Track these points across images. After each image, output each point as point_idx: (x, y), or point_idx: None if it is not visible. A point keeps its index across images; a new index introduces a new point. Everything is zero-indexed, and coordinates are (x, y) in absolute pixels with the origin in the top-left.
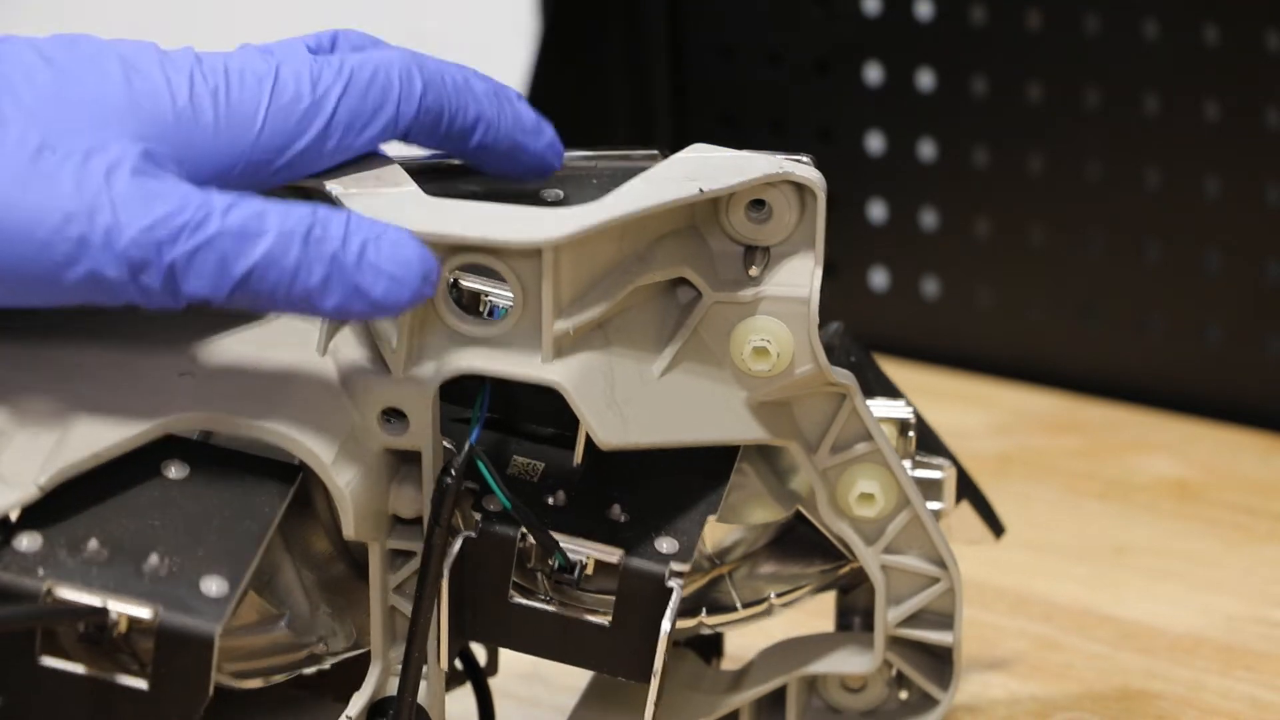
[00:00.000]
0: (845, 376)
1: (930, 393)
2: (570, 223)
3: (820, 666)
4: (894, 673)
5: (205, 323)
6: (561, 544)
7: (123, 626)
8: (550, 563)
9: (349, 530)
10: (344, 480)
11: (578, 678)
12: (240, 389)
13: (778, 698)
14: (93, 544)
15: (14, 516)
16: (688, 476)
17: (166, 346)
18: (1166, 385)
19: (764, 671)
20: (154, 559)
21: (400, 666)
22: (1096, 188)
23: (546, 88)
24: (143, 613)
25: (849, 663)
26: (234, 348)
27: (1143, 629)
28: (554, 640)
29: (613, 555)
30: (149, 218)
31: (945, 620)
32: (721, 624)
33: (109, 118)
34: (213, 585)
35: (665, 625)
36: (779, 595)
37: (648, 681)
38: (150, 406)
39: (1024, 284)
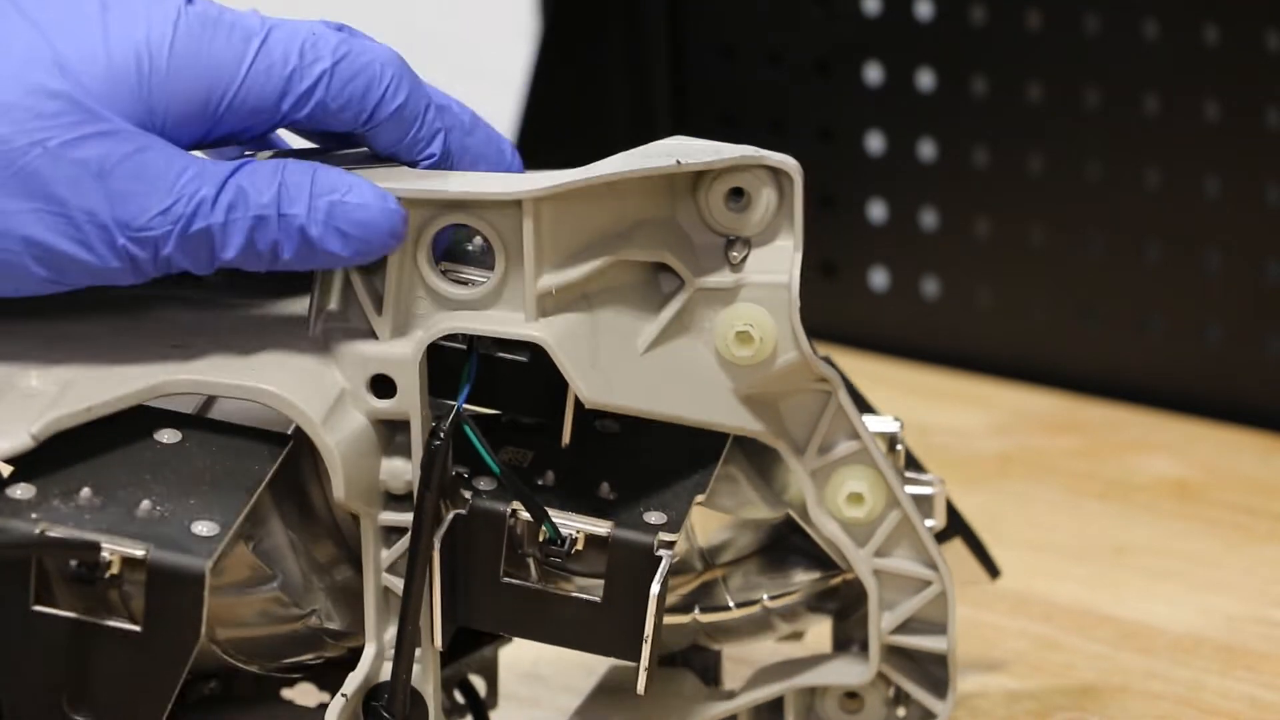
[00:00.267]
0: (829, 371)
1: (930, 393)
2: (548, 180)
3: (816, 678)
4: (891, 692)
5: (197, 304)
6: (551, 517)
7: (115, 567)
8: (540, 538)
9: (339, 491)
10: (333, 439)
11: (578, 678)
12: (231, 357)
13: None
14: (86, 492)
15: (6, 471)
16: (675, 460)
17: (159, 323)
18: (1166, 385)
19: (761, 681)
20: (146, 504)
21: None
22: (1096, 188)
23: (546, 88)
24: (135, 550)
25: (845, 674)
26: (226, 324)
27: (1143, 629)
28: (547, 621)
29: (602, 527)
30: (150, 212)
31: (939, 627)
32: (715, 622)
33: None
34: (203, 527)
35: (654, 588)
36: (772, 598)
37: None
38: (143, 370)
39: (1024, 284)
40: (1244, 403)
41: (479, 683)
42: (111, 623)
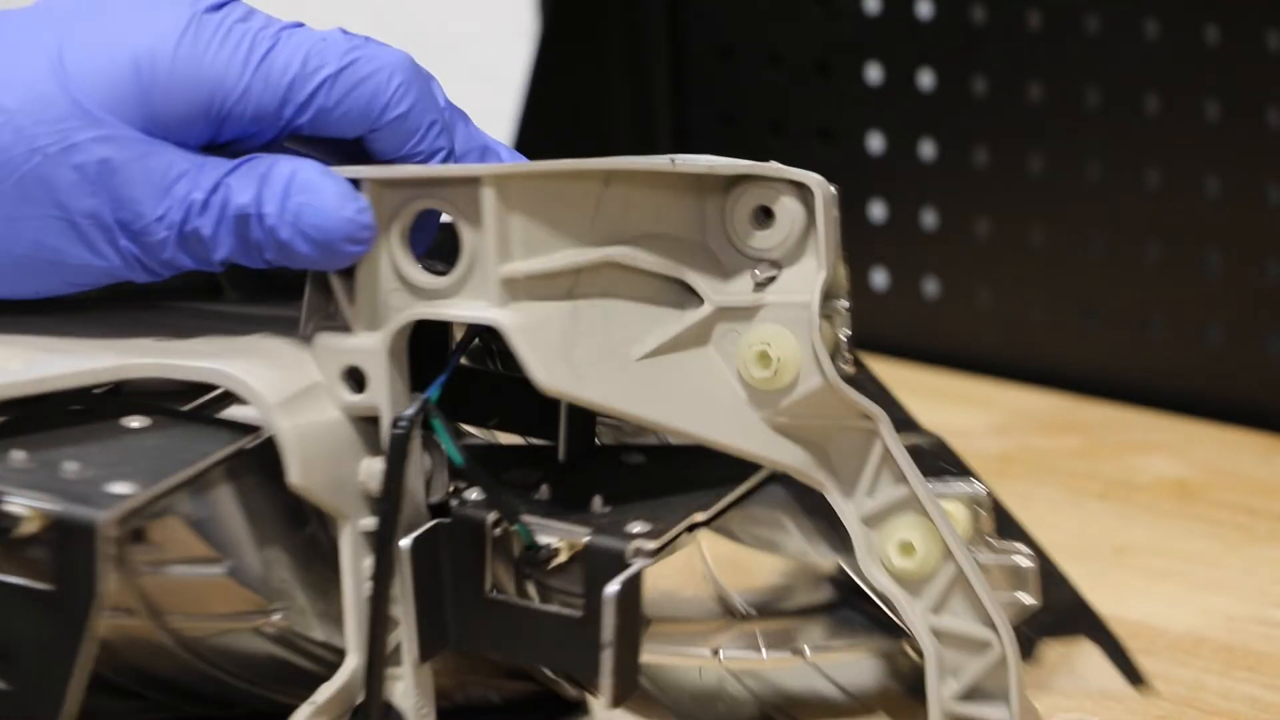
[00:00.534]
0: (872, 407)
1: (930, 393)
2: (507, 164)
3: None
4: None
5: (213, 304)
6: (529, 523)
7: (27, 527)
8: (517, 543)
9: (294, 475)
10: (290, 423)
11: None
12: (208, 347)
13: None
14: (20, 455)
15: None
16: (689, 486)
17: (160, 316)
18: (1167, 385)
19: None
20: (73, 467)
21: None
22: (1096, 188)
23: (546, 88)
24: (41, 503)
25: None
26: (226, 321)
27: (1143, 629)
28: (532, 641)
29: (580, 534)
30: (147, 216)
31: (999, 694)
32: (739, 662)
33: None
34: (119, 486)
35: (610, 588)
36: (814, 649)
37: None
38: (109, 354)
39: (1024, 284)
40: (1244, 403)
41: None
42: (19, 580)
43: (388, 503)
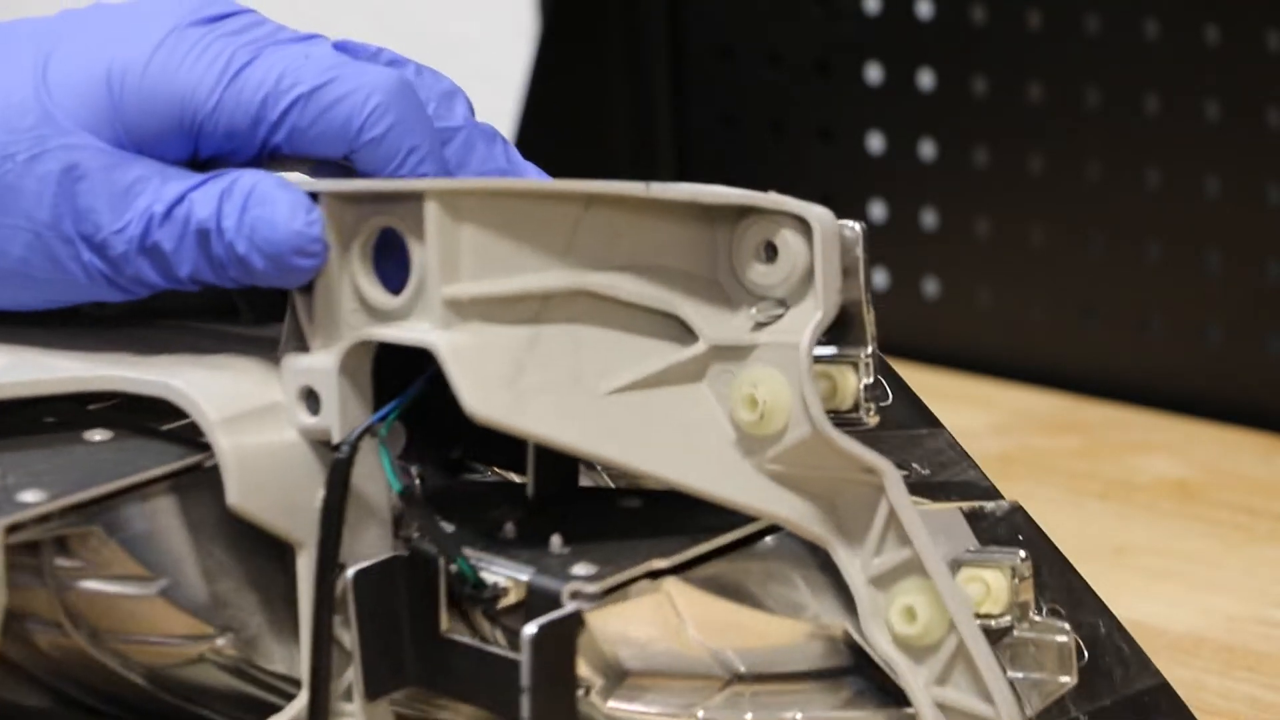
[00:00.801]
0: (878, 461)
1: (930, 393)
2: (461, 179)
3: None
4: None
5: (205, 326)
6: (475, 562)
7: None
8: (462, 581)
9: (231, 495)
10: (231, 442)
11: None
12: (172, 363)
13: None
14: None
15: None
16: (667, 529)
17: (144, 332)
18: (1167, 385)
19: None
20: None
21: (341, 698)
22: (1096, 188)
23: (546, 88)
24: None
25: None
26: (207, 341)
27: (1143, 629)
28: (484, 684)
29: (523, 573)
30: (106, 228)
31: None
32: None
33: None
34: (29, 495)
35: (528, 629)
36: (806, 717)
37: None
38: (65, 366)
39: (1024, 284)
40: (1244, 403)
41: None
42: None
43: (325, 531)
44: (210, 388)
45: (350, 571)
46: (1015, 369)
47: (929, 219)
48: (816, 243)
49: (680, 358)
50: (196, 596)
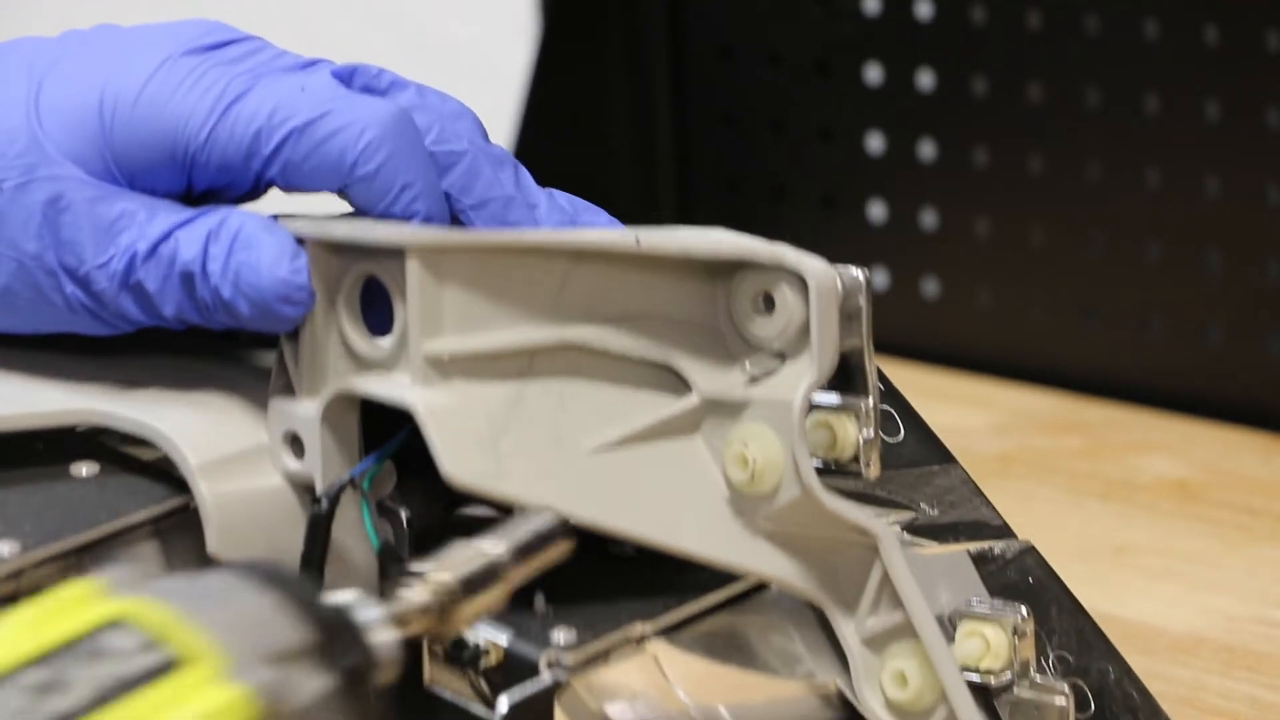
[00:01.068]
0: (872, 523)
1: (930, 393)
2: (454, 233)
3: None
4: None
5: (206, 355)
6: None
7: None
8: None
9: (211, 542)
10: (212, 489)
11: None
12: (161, 400)
13: None
14: None
15: None
16: (657, 586)
17: (151, 356)
18: (1167, 385)
19: None
20: None
21: None
22: (1096, 188)
23: (546, 88)
24: None
25: None
26: (205, 374)
27: (1143, 629)
28: None
29: (500, 636)
30: (88, 263)
31: None
32: None
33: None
34: (2, 547)
35: (501, 704)
36: None
37: None
38: (54, 400)
39: (1024, 284)
40: (1244, 403)
41: None
42: None
43: None
44: (193, 428)
45: None
46: (1015, 369)
47: (929, 219)
48: (813, 301)
49: (673, 411)
50: None
